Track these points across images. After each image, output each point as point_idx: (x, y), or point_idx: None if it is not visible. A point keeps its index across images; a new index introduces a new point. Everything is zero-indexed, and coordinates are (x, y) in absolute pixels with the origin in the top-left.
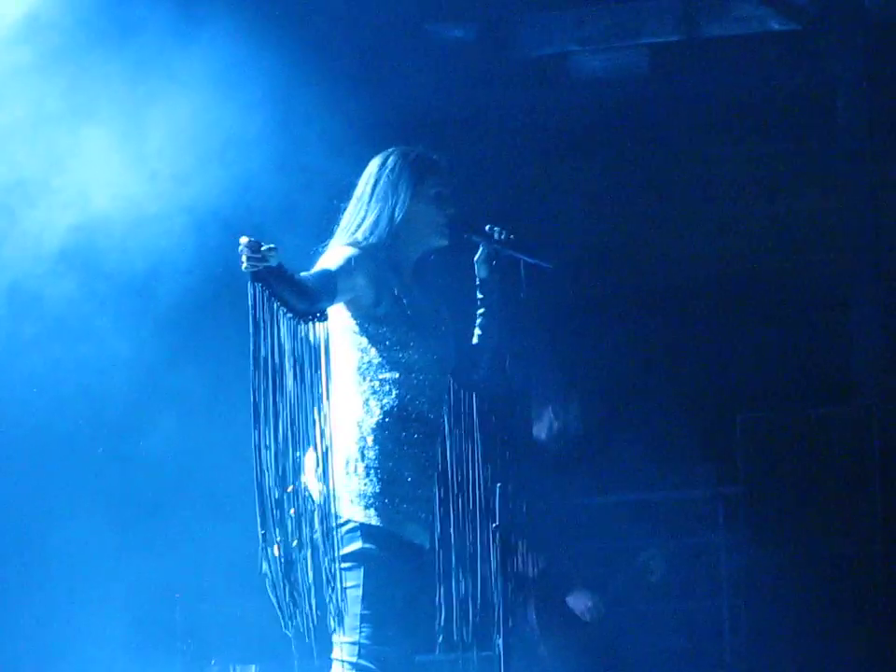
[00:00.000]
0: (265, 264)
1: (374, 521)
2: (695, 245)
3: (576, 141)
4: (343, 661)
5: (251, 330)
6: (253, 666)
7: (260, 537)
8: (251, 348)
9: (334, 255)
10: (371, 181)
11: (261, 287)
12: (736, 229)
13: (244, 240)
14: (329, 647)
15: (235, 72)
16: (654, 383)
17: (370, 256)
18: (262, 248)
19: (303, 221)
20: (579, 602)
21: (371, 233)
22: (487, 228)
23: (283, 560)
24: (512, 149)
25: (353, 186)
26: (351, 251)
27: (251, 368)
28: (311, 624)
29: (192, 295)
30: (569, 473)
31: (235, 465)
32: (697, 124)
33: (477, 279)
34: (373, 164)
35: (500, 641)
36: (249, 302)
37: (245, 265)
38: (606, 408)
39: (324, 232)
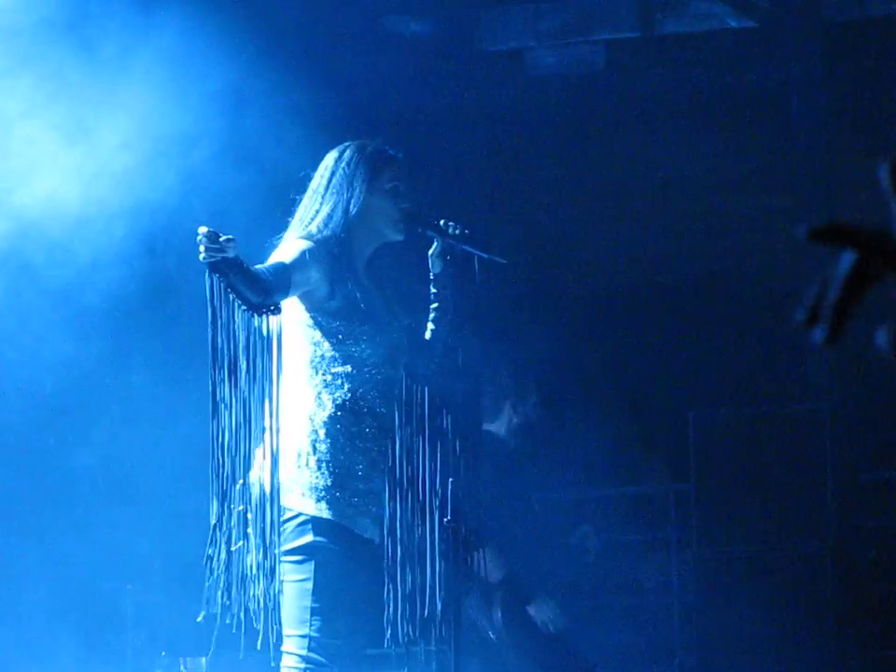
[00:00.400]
0: (223, 255)
1: (325, 514)
2: (650, 244)
3: (532, 137)
4: (291, 653)
5: (209, 321)
6: (203, 659)
7: (212, 527)
8: (209, 339)
9: (289, 248)
10: (327, 174)
11: (218, 277)
12: (691, 227)
13: (202, 230)
14: (255, 640)
15: (188, 68)
16: (608, 378)
17: (324, 249)
18: (221, 239)
19: (252, 215)
20: (542, 612)
21: (326, 226)
22: (442, 223)
23: (226, 550)
24: (468, 145)
25: (308, 179)
26: (306, 244)
27: (209, 359)
28: (242, 616)
29: (131, 296)
30: (524, 469)
31: (185, 460)
32: (653, 121)
33: (431, 274)
34: (329, 157)
35: (438, 638)
36: (207, 294)
37: (203, 255)
38: (561, 403)
39: (276, 227)
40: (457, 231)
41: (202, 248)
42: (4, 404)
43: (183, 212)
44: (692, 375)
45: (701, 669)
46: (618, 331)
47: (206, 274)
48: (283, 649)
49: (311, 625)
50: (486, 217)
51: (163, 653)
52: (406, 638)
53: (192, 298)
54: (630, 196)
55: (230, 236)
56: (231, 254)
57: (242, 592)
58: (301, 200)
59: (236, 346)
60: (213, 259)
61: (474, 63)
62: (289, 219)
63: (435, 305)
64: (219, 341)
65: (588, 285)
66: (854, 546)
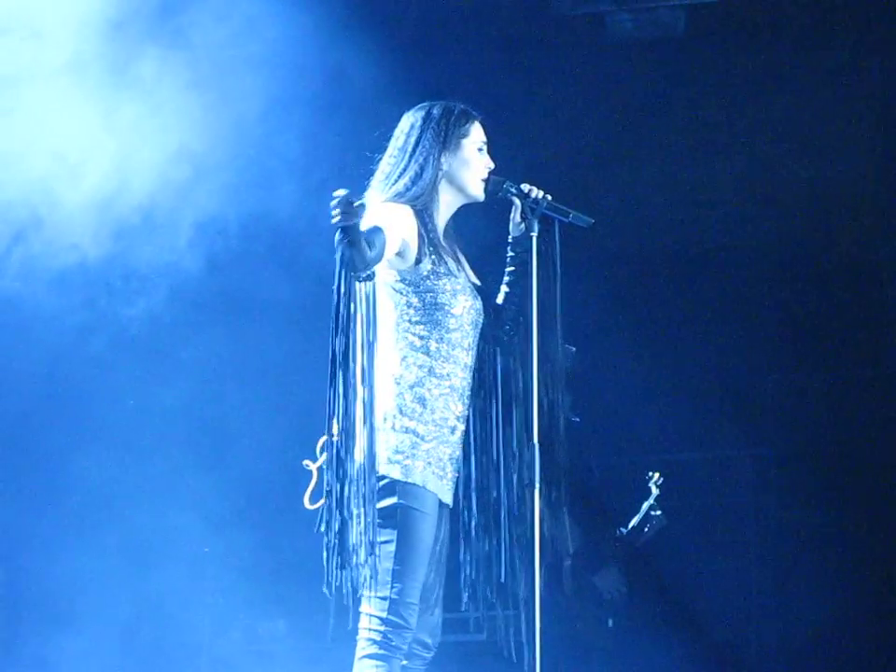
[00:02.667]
0: (355, 220)
1: (409, 478)
2: (726, 208)
3: (610, 102)
4: (372, 615)
5: (335, 289)
6: (280, 621)
7: (325, 496)
8: (333, 307)
9: (383, 211)
10: (415, 132)
11: (347, 243)
12: (765, 193)
13: (340, 192)
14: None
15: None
16: (687, 343)
17: (415, 211)
18: (355, 204)
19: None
20: (606, 580)
21: (414, 184)
22: (525, 187)
23: (339, 520)
24: (546, 111)
25: (385, 138)
26: (399, 207)
27: (331, 326)
28: (352, 585)
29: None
30: (598, 435)
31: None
32: (733, 87)
33: (510, 237)
34: (416, 115)
35: (514, 602)
36: (338, 259)
37: (337, 219)
38: (640, 369)
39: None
40: (539, 196)
41: (336, 212)
42: None
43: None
44: (771, 340)
45: (779, 641)
46: (697, 296)
47: (338, 240)
48: (361, 610)
49: (392, 587)
50: (562, 184)
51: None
52: (483, 602)
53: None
54: (711, 161)
55: (362, 201)
56: (358, 220)
57: (347, 562)
58: (380, 158)
59: (354, 313)
60: (345, 224)
61: (552, 26)
62: (369, 179)
63: (511, 269)
64: (341, 308)
65: (661, 249)
66: None
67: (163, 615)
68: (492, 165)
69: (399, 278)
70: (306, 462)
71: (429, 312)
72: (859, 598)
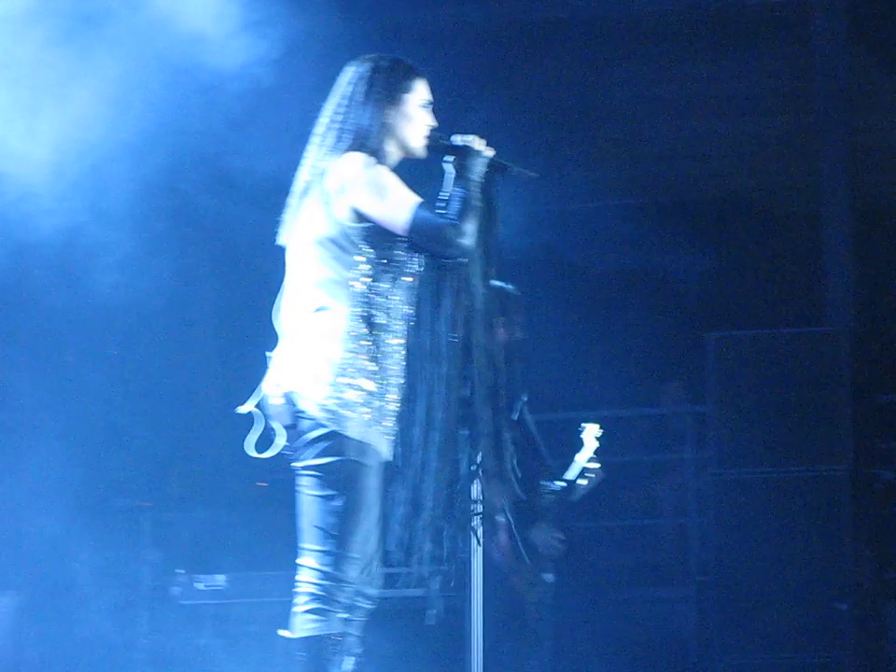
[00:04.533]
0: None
1: (354, 433)
2: (665, 163)
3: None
4: (312, 569)
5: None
6: (221, 576)
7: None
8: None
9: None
10: (364, 84)
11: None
12: (710, 148)
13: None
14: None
15: None
16: (627, 299)
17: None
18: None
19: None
20: (541, 535)
21: (374, 138)
22: (469, 137)
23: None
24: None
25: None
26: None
27: None
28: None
29: None
30: (535, 390)
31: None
32: (671, 41)
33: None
34: (360, 66)
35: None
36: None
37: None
38: (579, 324)
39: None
40: (481, 147)
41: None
42: None
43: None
44: (710, 297)
45: (717, 589)
46: (636, 253)
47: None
48: (300, 562)
49: (334, 542)
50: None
51: (181, 571)
52: (420, 558)
53: None
54: (644, 117)
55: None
56: None
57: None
58: (324, 107)
59: None
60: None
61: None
62: (313, 126)
63: (444, 196)
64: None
65: (598, 204)
66: (871, 467)
67: None
68: (435, 124)
69: (357, 233)
70: (243, 407)
71: (377, 266)
72: (794, 554)
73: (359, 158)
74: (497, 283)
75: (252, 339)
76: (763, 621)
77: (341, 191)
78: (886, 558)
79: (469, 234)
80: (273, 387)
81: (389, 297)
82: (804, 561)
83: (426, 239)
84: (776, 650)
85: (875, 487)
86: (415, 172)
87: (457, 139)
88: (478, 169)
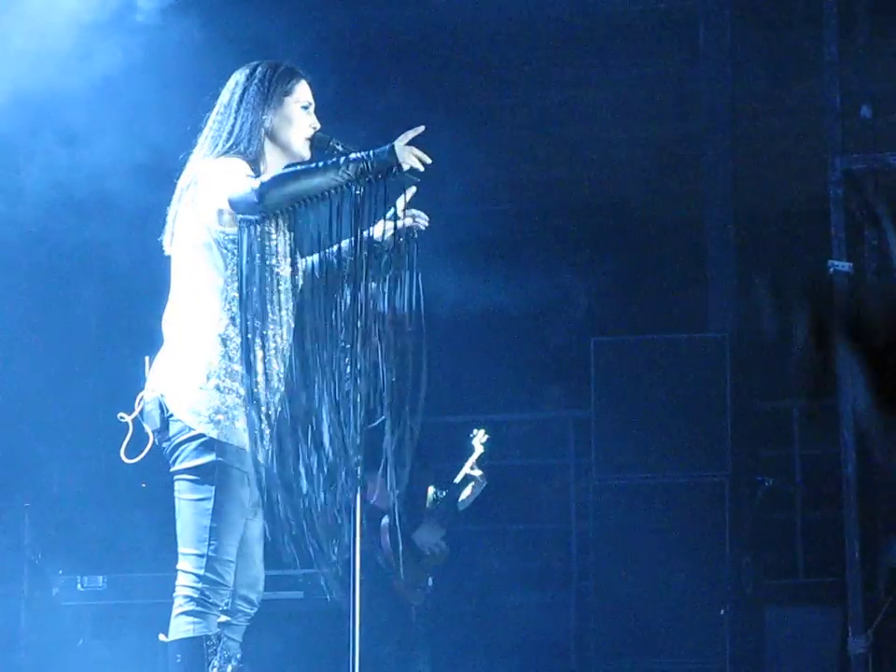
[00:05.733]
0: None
1: (228, 438)
2: (554, 170)
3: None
4: (188, 572)
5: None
6: (100, 577)
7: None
8: None
9: (231, 166)
10: (240, 89)
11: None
12: (595, 154)
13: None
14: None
15: None
16: (500, 303)
17: (253, 166)
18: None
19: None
20: (424, 538)
21: (247, 141)
22: (341, 145)
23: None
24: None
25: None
26: (239, 162)
27: None
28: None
29: None
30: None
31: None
32: (560, 47)
33: None
34: (240, 74)
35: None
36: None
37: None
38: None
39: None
40: (360, 153)
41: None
42: None
43: None
44: (593, 302)
45: (597, 595)
46: (520, 256)
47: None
48: (179, 567)
49: (209, 545)
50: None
51: (60, 572)
52: (302, 560)
53: None
54: (524, 122)
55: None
56: None
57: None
58: (208, 116)
59: None
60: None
61: None
62: (198, 137)
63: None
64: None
65: (489, 208)
66: (751, 474)
67: None
68: (318, 125)
69: (228, 237)
70: (121, 415)
71: (257, 271)
72: (675, 561)
73: (219, 160)
74: (377, 286)
75: (134, 344)
76: (643, 626)
77: (204, 195)
78: (766, 565)
79: (273, 197)
80: (147, 391)
81: (263, 301)
82: (684, 567)
83: (234, 198)
84: (655, 655)
85: (756, 494)
86: None
87: (338, 144)
88: (351, 169)
